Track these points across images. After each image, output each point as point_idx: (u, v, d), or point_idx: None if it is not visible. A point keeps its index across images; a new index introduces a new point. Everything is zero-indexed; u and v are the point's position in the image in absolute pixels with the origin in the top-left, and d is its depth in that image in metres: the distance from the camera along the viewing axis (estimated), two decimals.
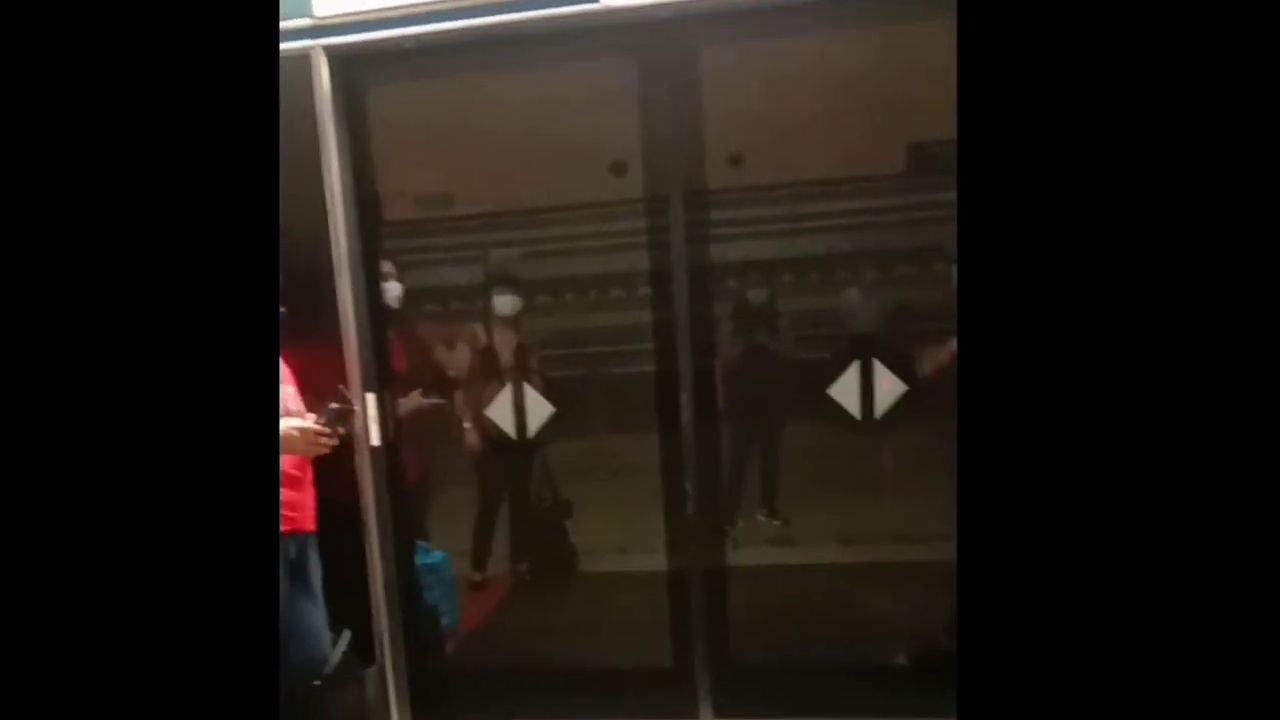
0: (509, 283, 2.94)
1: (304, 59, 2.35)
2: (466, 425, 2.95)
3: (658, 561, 2.71)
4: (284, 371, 2.30)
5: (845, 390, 2.47)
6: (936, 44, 1.71)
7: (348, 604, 2.41)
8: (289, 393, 2.25)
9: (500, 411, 2.77)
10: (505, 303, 2.93)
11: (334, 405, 2.10)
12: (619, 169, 2.67)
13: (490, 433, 2.81)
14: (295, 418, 2.13)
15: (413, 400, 2.73)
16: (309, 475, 2.23)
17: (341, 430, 2.13)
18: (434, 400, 2.79)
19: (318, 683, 2.24)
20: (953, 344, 2.40)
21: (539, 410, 2.75)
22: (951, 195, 1.08)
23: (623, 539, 3.24)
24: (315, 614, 2.28)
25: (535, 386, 2.76)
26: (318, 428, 2.06)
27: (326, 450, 2.11)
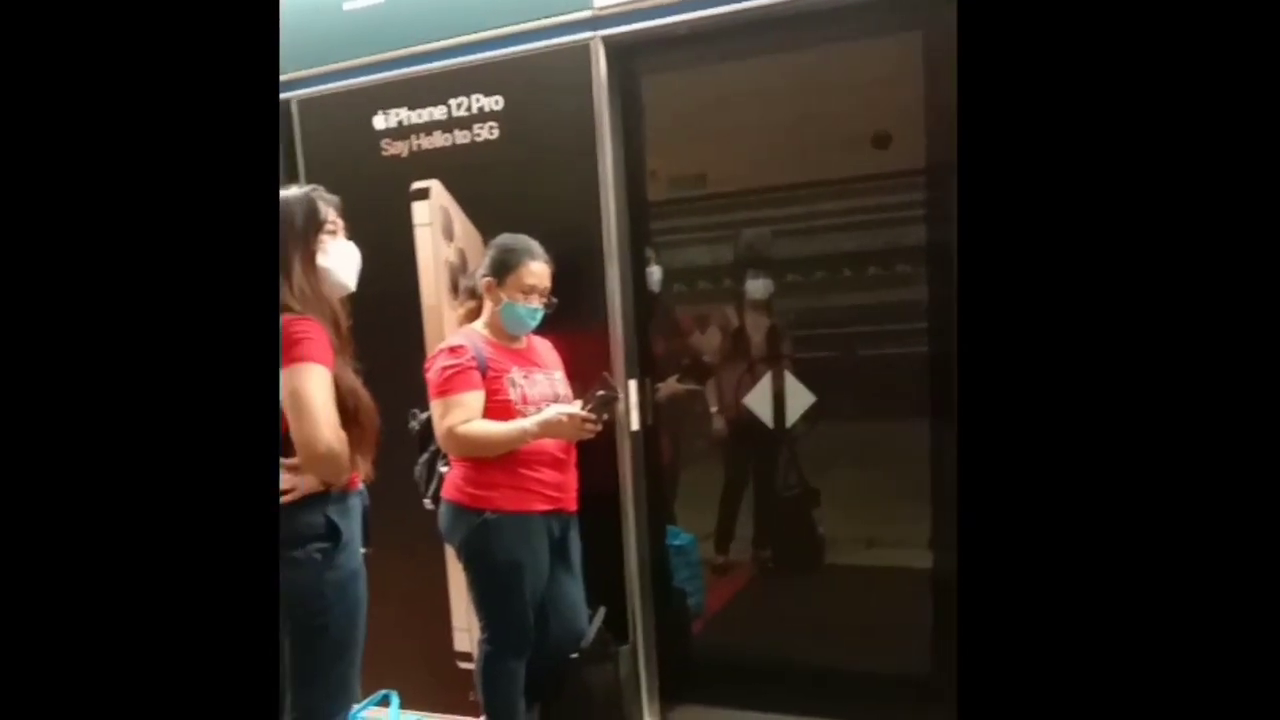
0: (762, 264, 2.87)
1: (583, 50, 2.39)
2: (714, 409, 2.94)
3: (915, 558, 2.57)
4: (554, 356, 2.40)
5: None
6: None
7: (602, 583, 2.49)
8: (558, 377, 2.34)
9: (758, 399, 2.73)
10: (758, 287, 2.87)
11: (601, 392, 2.15)
12: (881, 141, 2.53)
13: (742, 418, 2.78)
14: (563, 404, 2.20)
15: (670, 386, 2.75)
16: (573, 458, 2.31)
17: (605, 416, 2.18)
18: (690, 386, 2.80)
19: (575, 656, 2.33)
20: None
21: (798, 399, 2.68)
22: None
23: (874, 532, 3.11)
24: (575, 590, 2.37)
25: (788, 370, 2.70)
26: (584, 414, 2.11)
27: (591, 436, 2.16)
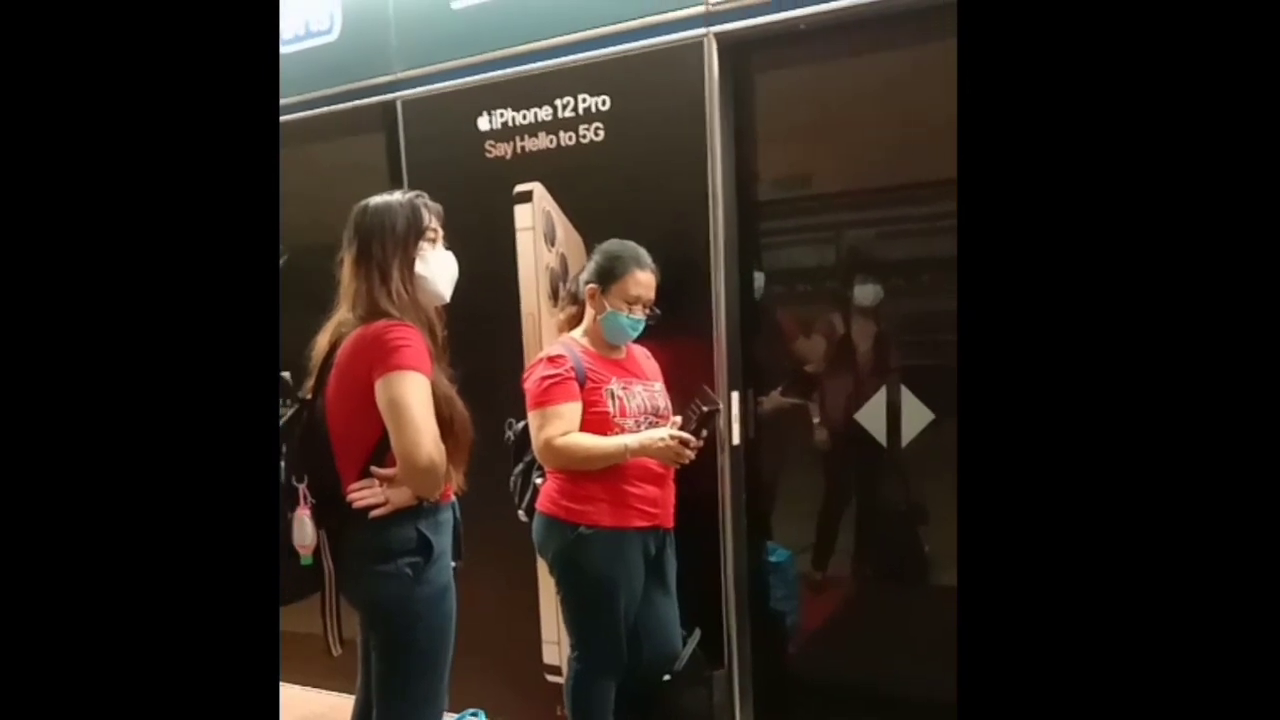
0: (872, 269, 2.71)
1: (695, 48, 2.30)
2: (815, 420, 2.80)
3: None
4: (654, 366, 2.31)
5: None
6: None
7: (698, 603, 2.40)
8: (658, 389, 2.25)
9: (872, 415, 2.57)
10: (867, 293, 2.71)
11: (704, 408, 2.05)
12: None
13: (848, 431, 2.63)
14: (662, 427, 2.11)
15: (774, 400, 2.63)
16: (671, 473, 2.22)
17: (705, 434, 2.08)
18: (794, 400, 2.67)
19: (667, 678, 2.24)
20: None
21: (915, 416, 2.51)
22: None
23: None
24: (669, 610, 2.29)
25: (897, 381, 2.53)
26: (683, 435, 2.02)
27: (690, 459, 2.07)
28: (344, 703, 2.18)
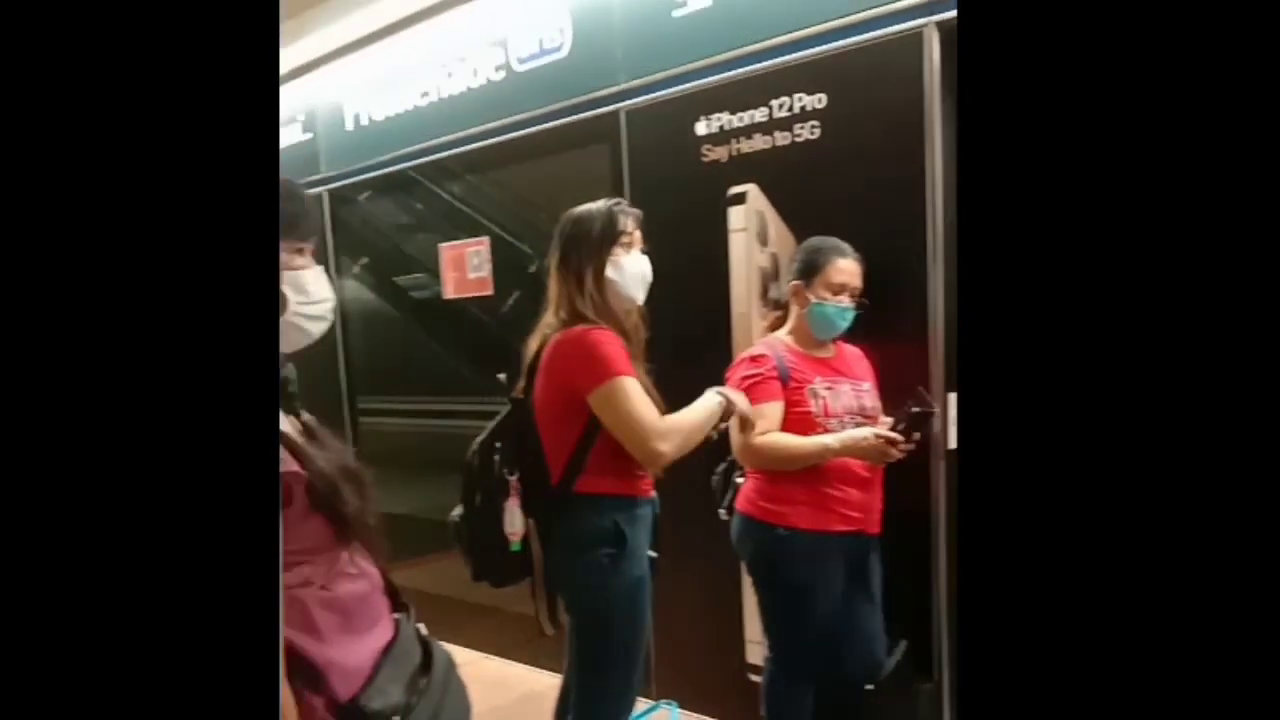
0: None
1: (914, 39, 2.21)
2: None
3: None
4: (865, 366, 2.26)
5: None
6: None
7: (907, 614, 2.32)
8: (866, 389, 2.20)
9: None
10: None
11: (915, 409, 1.98)
12: None
13: None
14: (868, 426, 2.06)
15: None
16: (878, 477, 2.16)
17: (917, 435, 2.01)
18: None
19: (870, 688, 2.19)
20: None
21: None
22: None
23: None
24: (873, 618, 2.23)
25: None
26: (890, 435, 1.96)
27: (898, 459, 2.00)
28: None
